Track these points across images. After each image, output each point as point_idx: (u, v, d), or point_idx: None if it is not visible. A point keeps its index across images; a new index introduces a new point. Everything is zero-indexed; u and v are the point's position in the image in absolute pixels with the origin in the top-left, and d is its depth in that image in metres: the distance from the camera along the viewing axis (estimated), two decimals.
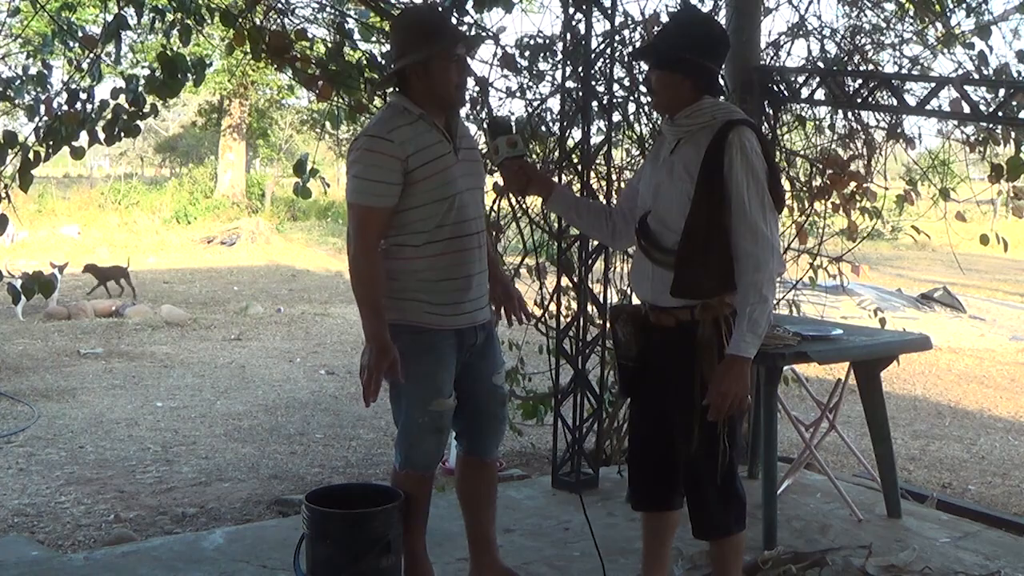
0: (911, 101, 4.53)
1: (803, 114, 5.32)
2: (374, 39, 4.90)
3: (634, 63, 4.76)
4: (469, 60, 3.14)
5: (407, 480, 3.20)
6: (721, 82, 2.99)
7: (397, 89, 3.07)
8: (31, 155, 4.20)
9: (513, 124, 3.08)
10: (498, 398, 3.26)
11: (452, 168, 3.00)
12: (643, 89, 4.72)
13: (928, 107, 4.38)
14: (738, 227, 2.75)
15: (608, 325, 3.09)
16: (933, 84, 4.42)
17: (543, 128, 4.86)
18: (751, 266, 2.74)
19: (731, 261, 2.77)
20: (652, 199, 2.92)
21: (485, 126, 3.03)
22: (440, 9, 4.66)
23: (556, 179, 4.70)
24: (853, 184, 5.15)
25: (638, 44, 4.83)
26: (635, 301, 3.17)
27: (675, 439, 2.93)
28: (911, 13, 5.41)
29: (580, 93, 4.54)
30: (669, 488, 3.07)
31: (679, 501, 3.10)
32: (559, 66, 4.68)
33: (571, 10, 4.51)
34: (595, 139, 4.71)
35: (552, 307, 4.73)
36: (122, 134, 4.42)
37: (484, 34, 4.64)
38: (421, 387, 3.08)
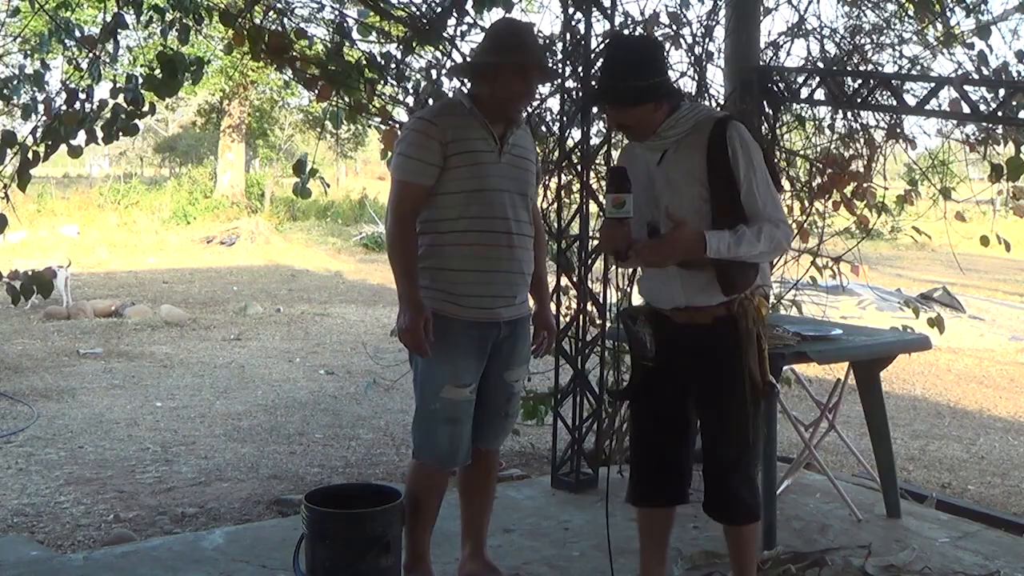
0: (911, 101, 4.53)
1: (803, 114, 5.32)
2: (373, 38, 4.90)
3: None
4: (537, 82, 3.27)
5: (417, 472, 3.26)
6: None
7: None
8: (30, 155, 4.20)
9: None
10: (504, 394, 3.29)
11: (490, 166, 3.11)
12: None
13: (928, 107, 4.38)
14: (754, 201, 2.82)
15: (621, 325, 3.10)
16: (933, 84, 4.42)
17: (543, 128, 4.86)
18: (772, 224, 2.82)
19: None
20: (651, 211, 2.94)
21: (609, 174, 3.01)
22: (440, 9, 4.67)
23: (556, 179, 4.71)
24: (853, 184, 5.15)
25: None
26: (635, 301, 3.18)
27: (703, 432, 2.98)
28: (911, 13, 5.40)
29: (580, 93, 4.54)
30: (680, 483, 3.08)
31: (685, 496, 3.11)
32: (559, 66, 4.67)
33: (571, 10, 4.51)
34: (595, 139, 4.72)
35: (552, 307, 4.72)
36: (120, 133, 4.41)
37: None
38: (434, 372, 3.14)
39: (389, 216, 3.17)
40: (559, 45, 4.71)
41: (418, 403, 3.21)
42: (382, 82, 4.74)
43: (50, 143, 4.23)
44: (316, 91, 4.62)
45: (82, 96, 4.27)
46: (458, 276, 3.12)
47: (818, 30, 5.21)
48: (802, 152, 5.30)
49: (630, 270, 4.97)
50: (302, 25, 4.91)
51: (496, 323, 3.17)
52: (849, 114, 5.20)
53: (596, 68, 4.60)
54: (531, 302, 3.39)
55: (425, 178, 3.09)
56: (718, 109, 3.10)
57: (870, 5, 5.34)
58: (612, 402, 4.99)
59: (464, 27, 4.70)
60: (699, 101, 4.58)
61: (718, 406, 2.92)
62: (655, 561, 3.17)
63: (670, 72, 3.05)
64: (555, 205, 4.63)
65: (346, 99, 4.71)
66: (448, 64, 4.74)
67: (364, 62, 4.67)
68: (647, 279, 3.07)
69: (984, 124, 4.88)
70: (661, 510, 3.13)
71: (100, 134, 4.39)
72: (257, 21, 4.66)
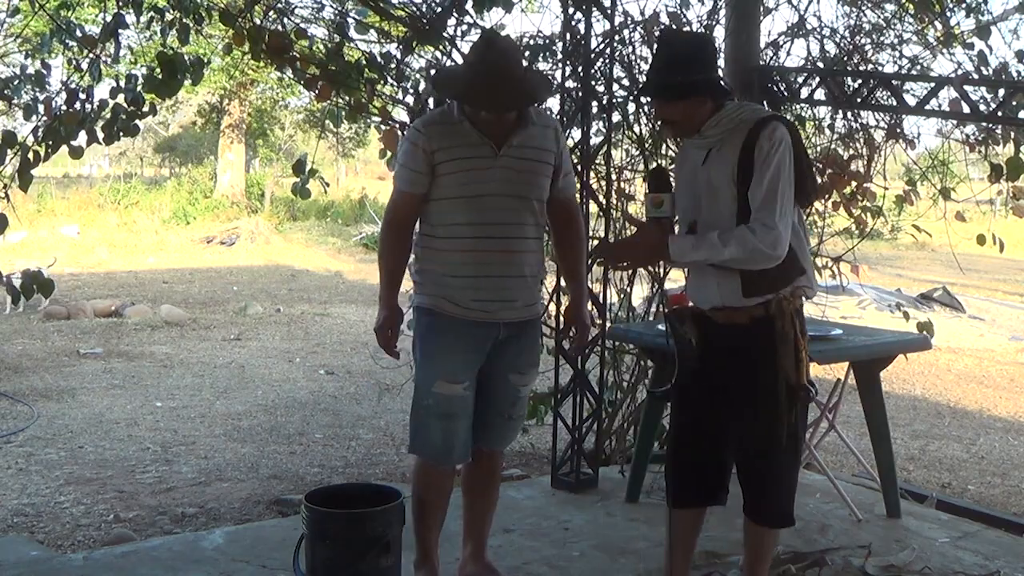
0: (911, 101, 4.53)
1: (803, 114, 5.32)
2: (373, 38, 4.90)
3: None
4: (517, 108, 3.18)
5: (417, 470, 3.29)
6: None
7: None
8: (30, 155, 4.20)
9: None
10: (508, 396, 3.28)
11: (482, 171, 3.08)
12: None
13: (928, 107, 4.38)
14: (752, 201, 2.79)
15: (667, 326, 3.09)
16: (933, 84, 4.42)
17: None
18: (749, 229, 2.77)
19: (791, 249, 2.82)
20: (694, 210, 2.95)
21: (650, 174, 3.06)
22: (440, 9, 4.67)
23: None
24: (853, 184, 5.15)
25: (638, 44, 4.86)
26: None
27: (737, 432, 2.95)
28: (911, 13, 5.40)
29: (580, 93, 4.54)
30: (709, 484, 3.08)
31: (717, 497, 3.10)
32: (559, 66, 4.68)
33: (571, 10, 4.51)
34: (595, 139, 4.72)
35: (552, 307, 4.72)
36: (121, 133, 4.42)
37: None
38: (428, 367, 3.16)
39: (383, 222, 3.27)
40: (559, 45, 4.72)
41: (414, 398, 3.25)
42: (382, 82, 4.74)
43: (51, 143, 4.23)
44: (316, 91, 4.62)
45: (82, 96, 4.28)
46: (453, 281, 3.14)
47: (818, 30, 5.21)
48: None
49: (631, 270, 4.99)
50: (302, 25, 4.92)
51: (495, 324, 3.17)
52: (849, 114, 5.20)
53: (597, 68, 4.62)
54: (554, 302, 3.37)
55: (416, 187, 3.13)
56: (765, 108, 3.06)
57: (870, 5, 5.34)
58: (612, 402, 5.00)
59: (464, 27, 4.71)
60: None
61: (752, 406, 2.90)
62: (679, 560, 3.16)
63: (718, 72, 2.99)
64: None
65: (346, 99, 4.71)
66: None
67: (364, 62, 4.68)
68: (690, 280, 3.08)
69: (984, 124, 4.88)
70: (689, 511, 3.12)
71: (101, 134, 4.39)
72: (257, 21, 4.66)
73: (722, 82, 2.99)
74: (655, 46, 3.34)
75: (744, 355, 2.90)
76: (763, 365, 2.87)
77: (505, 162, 3.11)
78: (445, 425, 3.16)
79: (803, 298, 2.94)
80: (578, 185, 4.56)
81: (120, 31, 4.41)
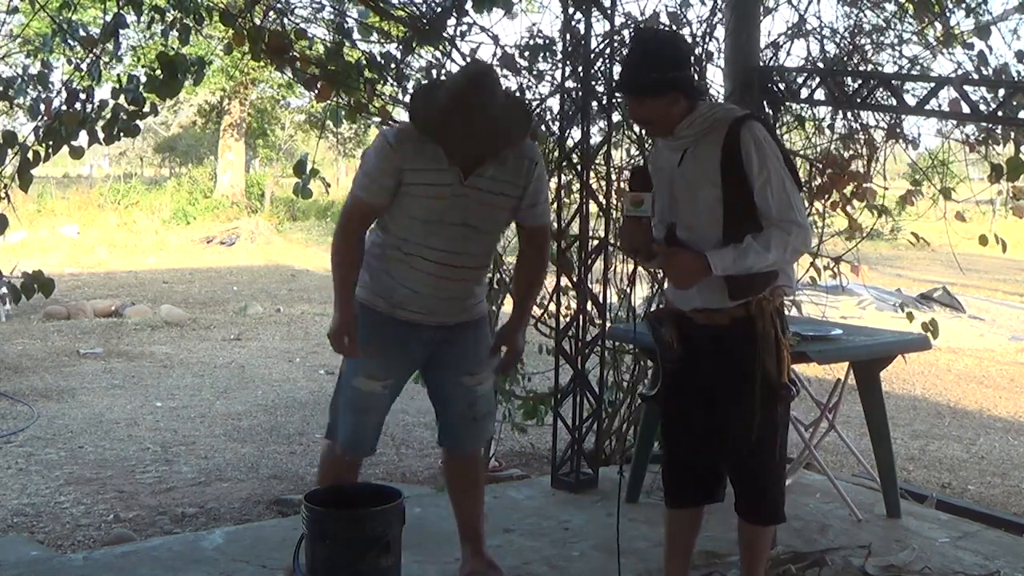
0: (911, 101, 4.53)
1: (803, 114, 5.32)
2: (373, 39, 4.90)
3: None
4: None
5: (324, 452, 3.38)
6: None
7: None
8: (30, 155, 4.20)
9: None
10: (465, 398, 3.27)
11: (446, 198, 3.04)
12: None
13: (928, 107, 4.37)
14: (765, 204, 2.78)
15: (648, 328, 3.08)
16: (933, 84, 4.42)
17: (543, 128, 4.86)
18: (782, 230, 2.77)
19: None
20: (671, 212, 2.94)
21: (630, 173, 3.04)
22: (440, 9, 4.67)
23: (556, 179, 4.71)
24: (853, 184, 5.15)
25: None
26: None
27: (725, 432, 2.96)
28: (911, 13, 5.40)
29: (580, 93, 4.54)
30: (702, 483, 3.08)
31: (713, 495, 3.11)
32: (559, 66, 4.68)
33: (571, 10, 4.51)
34: (595, 139, 4.72)
35: (552, 307, 4.73)
36: (121, 134, 4.41)
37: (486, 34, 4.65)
38: (351, 361, 3.21)
39: (337, 226, 3.23)
40: (559, 45, 4.72)
41: (335, 387, 3.32)
42: (382, 82, 4.74)
43: (51, 143, 4.23)
44: (316, 91, 4.62)
45: (82, 96, 4.27)
46: (389, 285, 3.15)
47: (818, 30, 5.21)
48: (802, 152, 5.30)
49: (630, 270, 5.00)
50: (302, 25, 4.92)
51: (427, 326, 3.17)
52: (849, 114, 5.20)
53: (597, 68, 4.62)
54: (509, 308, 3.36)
55: (376, 198, 3.08)
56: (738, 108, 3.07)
57: (870, 5, 5.34)
58: (612, 402, 5.00)
59: (464, 27, 4.71)
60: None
61: (738, 405, 2.90)
62: (678, 560, 3.17)
63: (693, 72, 2.99)
64: (555, 205, 4.63)
65: (346, 99, 4.71)
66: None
67: (364, 62, 4.68)
68: (671, 285, 3.07)
69: (984, 124, 4.88)
70: (684, 511, 3.13)
71: (101, 134, 4.39)
72: (257, 21, 4.66)
73: (695, 81, 2.99)
74: (628, 45, 3.34)
75: (727, 355, 2.91)
76: (746, 365, 2.87)
77: (469, 192, 3.06)
78: (357, 419, 3.21)
79: (783, 297, 2.95)
80: (577, 185, 4.57)
81: (121, 31, 4.41)
